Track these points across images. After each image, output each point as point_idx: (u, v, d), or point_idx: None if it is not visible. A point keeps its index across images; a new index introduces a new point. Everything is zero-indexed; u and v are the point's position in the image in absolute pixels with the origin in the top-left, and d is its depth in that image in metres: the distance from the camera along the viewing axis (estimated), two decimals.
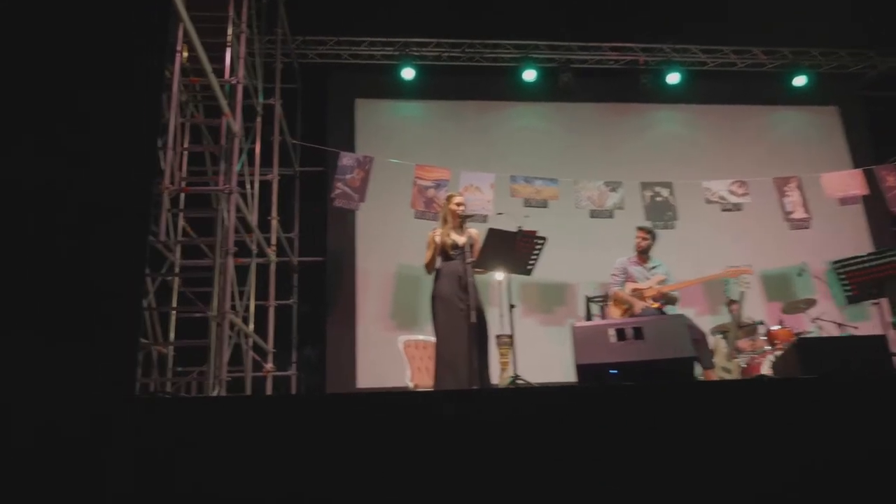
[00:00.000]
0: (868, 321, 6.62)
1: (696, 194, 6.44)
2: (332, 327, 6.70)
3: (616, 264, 4.84)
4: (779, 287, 6.77)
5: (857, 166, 7.03)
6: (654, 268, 4.75)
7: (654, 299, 4.54)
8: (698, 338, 4.28)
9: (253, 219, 5.18)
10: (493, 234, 3.70)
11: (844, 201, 6.35)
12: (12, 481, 1.61)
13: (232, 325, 4.16)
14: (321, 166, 7.15)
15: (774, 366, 2.66)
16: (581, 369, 2.70)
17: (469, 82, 7.42)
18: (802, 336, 4.67)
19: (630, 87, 7.41)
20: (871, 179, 6.54)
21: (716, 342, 5.21)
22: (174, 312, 5.11)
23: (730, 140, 7.48)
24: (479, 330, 3.71)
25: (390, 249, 6.88)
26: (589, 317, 6.88)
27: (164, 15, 2.91)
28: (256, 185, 5.46)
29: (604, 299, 6.82)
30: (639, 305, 4.55)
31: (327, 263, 6.96)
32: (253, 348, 5.19)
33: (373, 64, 7.37)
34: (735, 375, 4.79)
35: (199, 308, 4.93)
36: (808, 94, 7.52)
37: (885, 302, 3.83)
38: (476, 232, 4.00)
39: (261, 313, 5.62)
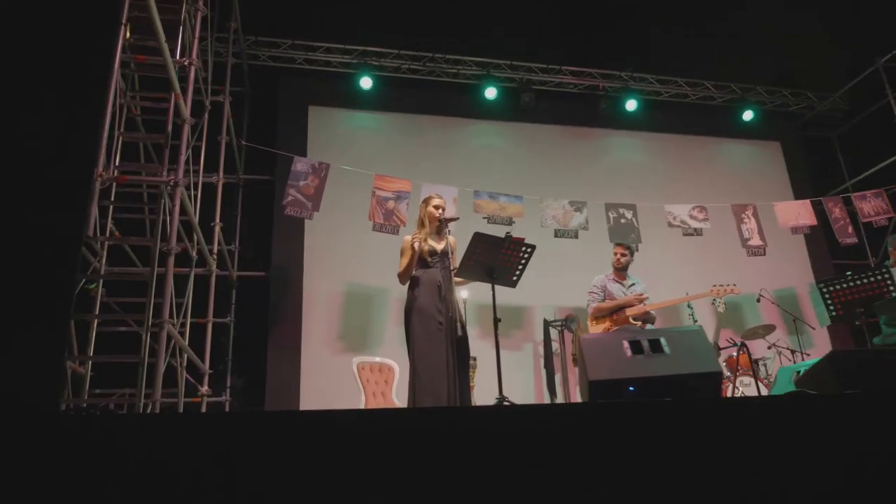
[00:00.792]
0: (815, 348, 6.76)
1: (658, 217, 6.40)
2: (274, 349, 6.11)
3: (594, 281, 4.63)
4: (733, 313, 6.80)
5: (797, 198, 7.29)
6: (632, 285, 4.59)
7: (635, 318, 4.35)
8: None
9: (194, 223, 4.61)
10: (477, 238, 3.32)
11: (795, 230, 6.50)
12: None
13: (169, 339, 3.57)
14: (268, 175, 6.66)
15: (800, 382, 2.48)
16: (593, 386, 2.37)
17: (429, 96, 7.21)
18: (834, 351, 4.57)
19: (590, 112, 7.45)
20: (817, 211, 6.75)
21: None
22: (95, 324, 4.44)
23: (682, 168, 7.62)
24: (461, 346, 3.31)
25: (340, 266, 6.43)
26: (548, 342, 6.66)
27: None
28: (200, 187, 4.92)
29: (563, 323, 6.63)
30: (631, 310, 4.34)
31: (270, 279, 6.41)
32: (186, 368, 4.57)
33: (329, 71, 7.02)
34: None
35: (126, 318, 4.33)
36: (753, 129, 7.83)
37: (863, 324, 3.78)
38: (454, 240, 3.62)
39: (195, 331, 5.01)
